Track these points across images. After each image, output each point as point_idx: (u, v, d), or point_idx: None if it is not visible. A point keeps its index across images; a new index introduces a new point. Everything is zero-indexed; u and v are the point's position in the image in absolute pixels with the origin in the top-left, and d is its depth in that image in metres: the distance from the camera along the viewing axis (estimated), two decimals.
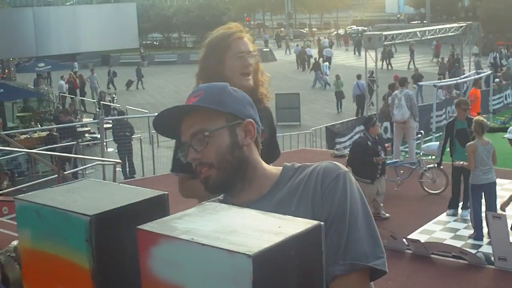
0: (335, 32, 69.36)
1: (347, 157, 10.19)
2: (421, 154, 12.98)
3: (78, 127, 19.57)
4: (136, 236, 1.12)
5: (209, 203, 1.21)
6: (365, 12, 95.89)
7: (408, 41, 19.64)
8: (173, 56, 54.59)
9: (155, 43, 67.21)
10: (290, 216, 1.13)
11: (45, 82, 33.46)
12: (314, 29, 79.51)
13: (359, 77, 23.95)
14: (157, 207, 1.27)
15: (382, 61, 37.41)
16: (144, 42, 58.53)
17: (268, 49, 51.77)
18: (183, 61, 50.81)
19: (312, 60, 41.69)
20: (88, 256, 1.17)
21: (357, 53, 49.51)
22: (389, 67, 39.42)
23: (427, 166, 10.99)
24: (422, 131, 14.42)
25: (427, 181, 10.93)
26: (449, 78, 27.17)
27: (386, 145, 10.41)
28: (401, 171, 11.43)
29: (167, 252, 1.06)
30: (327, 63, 36.50)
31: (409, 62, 39.18)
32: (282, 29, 78.54)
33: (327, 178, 1.66)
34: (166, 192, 1.29)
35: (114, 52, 44.56)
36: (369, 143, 9.42)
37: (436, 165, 10.57)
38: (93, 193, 1.33)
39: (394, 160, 12.20)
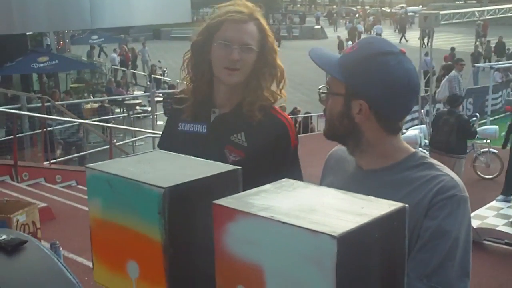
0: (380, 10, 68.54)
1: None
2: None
3: (129, 99, 19.79)
4: (209, 211, 1.08)
5: (285, 180, 1.17)
6: None
7: (465, 21, 19.21)
8: None
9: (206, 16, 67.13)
10: (372, 197, 1.08)
11: (96, 54, 33.81)
12: (366, 7, 78.46)
13: (426, 54, 23.20)
14: (230, 182, 1.23)
15: (422, 40, 36.81)
16: (195, 17, 58.66)
17: (319, 27, 51.39)
18: None
19: (362, 36, 41.59)
20: (160, 229, 1.14)
21: (397, 31, 49.20)
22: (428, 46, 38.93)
23: (481, 150, 10.78)
24: (477, 114, 14.13)
25: (480, 165, 10.74)
26: (496, 61, 26.49)
27: None
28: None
29: (244, 228, 1.02)
30: (350, 42, 36.21)
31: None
32: (334, 6, 77.76)
33: (441, 194, 1.62)
34: (240, 167, 1.25)
35: (165, 26, 44.70)
36: None
37: (490, 149, 10.38)
38: (165, 165, 1.30)
39: None
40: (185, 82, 2.58)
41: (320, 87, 1.82)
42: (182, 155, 1.39)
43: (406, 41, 42.61)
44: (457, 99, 9.66)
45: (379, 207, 1.04)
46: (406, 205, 1.06)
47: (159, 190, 1.13)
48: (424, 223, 1.60)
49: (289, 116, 2.68)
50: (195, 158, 1.35)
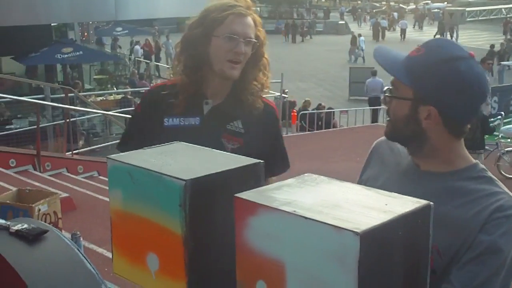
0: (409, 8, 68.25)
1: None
2: (500, 136, 12.58)
3: None
4: (230, 204, 1.07)
5: (308, 175, 1.15)
6: None
7: (492, 18, 19.02)
8: None
9: None
10: (396, 194, 1.06)
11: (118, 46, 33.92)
12: (391, 3, 77.95)
13: None
14: (252, 175, 1.22)
15: (442, 35, 36.94)
16: None
17: (343, 22, 51.17)
18: None
19: (386, 32, 41.50)
20: (180, 221, 1.13)
21: (416, 26, 49.11)
22: None
23: (506, 149, 10.67)
24: (502, 113, 13.98)
25: (504, 164, 10.63)
26: None
27: None
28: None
29: (265, 223, 1.01)
30: (363, 38, 35.89)
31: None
32: (359, 1, 77.35)
33: (500, 212, 1.62)
34: (262, 161, 1.24)
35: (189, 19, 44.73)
36: None
37: None
38: (186, 157, 1.29)
39: None
40: (171, 75, 2.59)
41: (385, 88, 1.80)
42: (204, 148, 1.38)
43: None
44: None
45: (403, 204, 1.02)
46: (431, 203, 1.04)
47: (180, 182, 1.12)
48: (479, 236, 1.60)
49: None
50: (217, 151, 1.33)
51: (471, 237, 1.61)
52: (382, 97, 2.02)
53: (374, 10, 65.09)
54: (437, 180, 1.72)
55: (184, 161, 1.25)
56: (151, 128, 2.53)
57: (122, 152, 2.74)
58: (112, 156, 1.26)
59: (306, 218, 0.96)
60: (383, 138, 1.97)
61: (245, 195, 1.06)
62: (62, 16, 17.21)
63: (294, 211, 0.98)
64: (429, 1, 71.06)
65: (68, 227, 4.68)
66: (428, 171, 1.75)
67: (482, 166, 1.78)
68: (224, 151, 2.41)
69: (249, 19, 2.44)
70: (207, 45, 2.42)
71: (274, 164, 2.46)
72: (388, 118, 1.81)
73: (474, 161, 1.77)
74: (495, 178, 1.74)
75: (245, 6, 2.44)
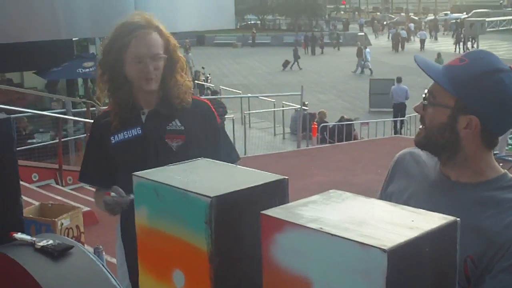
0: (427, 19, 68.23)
1: None
2: None
3: None
4: (256, 221, 1.08)
5: (333, 191, 1.15)
6: None
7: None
8: (267, 38, 54.80)
9: (249, 23, 67.63)
10: (422, 210, 1.06)
11: None
12: (411, 14, 77.80)
13: None
14: (277, 192, 1.22)
15: (456, 45, 36.99)
16: (239, 24, 58.94)
17: (363, 33, 51.18)
18: (277, 43, 50.91)
19: (405, 43, 41.49)
20: (206, 238, 1.14)
21: (432, 37, 49.51)
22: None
23: None
24: None
25: None
26: None
27: None
28: (500, 164, 11.04)
29: (292, 240, 1.01)
30: (368, 49, 35.93)
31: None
32: (378, 13, 77.29)
33: None
34: (286, 177, 1.24)
35: (209, 32, 45.04)
36: None
37: None
38: (211, 173, 1.29)
39: (494, 152, 11.81)
40: (98, 102, 2.83)
41: (424, 94, 1.80)
42: (228, 164, 1.39)
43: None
44: None
45: (429, 220, 1.02)
46: (458, 219, 1.04)
47: (206, 199, 1.13)
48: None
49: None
50: (241, 167, 1.34)
51: (505, 246, 1.61)
52: (418, 104, 2.03)
53: (389, 22, 65.04)
54: (469, 191, 1.72)
55: (209, 177, 1.26)
56: (104, 152, 2.76)
57: (85, 183, 3.08)
58: (138, 173, 1.27)
59: (332, 235, 0.96)
60: (406, 150, 1.97)
61: (272, 212, 1.06)
62: (83, 31, 17.36)
63: (321, 228, 0.98)
64: (448, 12, 70.87)
65: (90, 241, 4.71)
66: (458, 181, 1.75)
67: (511, 175, 1.78)
68: (169, 149, 2.65)
69: (153, 36, 2.64)
70: (122, 68, 2.65)
71: (220, 156, 2.58)
72: (421, 126, 1.81)
73: (503, 171, 1.78)
74: None
75: (145, 23, 2.63)
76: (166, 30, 2.74)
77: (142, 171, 1.27)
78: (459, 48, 37.49)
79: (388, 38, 49.17)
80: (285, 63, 35.99)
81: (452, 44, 35.37)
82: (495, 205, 1.67)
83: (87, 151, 2.95)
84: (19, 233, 1.58)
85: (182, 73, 2.75)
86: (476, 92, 1.66)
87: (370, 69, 33.96)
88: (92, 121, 3.28)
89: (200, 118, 2.74)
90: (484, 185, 1.73)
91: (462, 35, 36.22)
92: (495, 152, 9.06)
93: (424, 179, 1.84)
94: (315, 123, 17.55)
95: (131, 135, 2.68)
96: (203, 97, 20.33)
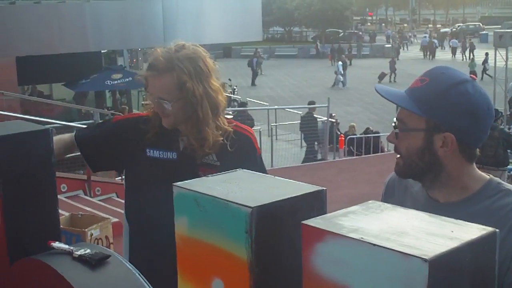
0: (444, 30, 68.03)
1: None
2: None
3: None
4: (295, 231, 1.10)
5: (372, 202, 1.17)
6: (494, 9, 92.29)
7: None
8: (294, 50, 54.82)
9: (276, 36, 67.82)
10: (461, 221, 1.07)
11: None
12: (438, 26, 77.39)
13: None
14: (316, 202, 1.24)
15: (463, 54, 36.86)
16: (265, 36, 59.06)
17: (390, 45, 51.01)
18: (304, 55, 50.87)
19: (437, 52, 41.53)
20: (246, 247, 1.16)
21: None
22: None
23: None
24: None
25: None
26: None
27: None
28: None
29: (333, 249, 1.03)
30: (340, 63, 35.72)
31: None
32: (405, 25, 77.02)
33: None
34: (325, 188, 1.26)
35: (236, 44, 45.20)
36: None
37: None
38: (250, 184, 1.32)
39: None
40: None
41: (393, 122, 1.80)
42: (267, 175, 1.41)
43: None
44: (496, 113, 9.79)
45: (469, 231, 1.03)
46: (497, 230, 1.04)
47: (247, 209, 1.15)
48: None
49: (251, 129, 2.90)
50: (280, 178, 1.36)
51: (506, 261, 1.59)
52: (390, 134, 1.98)
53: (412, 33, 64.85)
54: (460, 208, 1.69)
55: (249, 188, 1.28)
56: (111, 143, 2.76)
57: (76, 136, 2.84)
58: (178, 183, 1.30)
59: (373, 245, 0.97)
60: (393, 175, 1.95)
61: (313, 222, 1.08)
62: (112, 43, 17.58)
63: (362, 238, 1.00)
64: (479, 23, 70.33)
65: (119, 251, 4.74)
66: (449, 202, 1.73)
67: (497, 179, 1.76)
68: None
69: (164, 79, 2.51)
70: None
71: None
72: (397, 156, 1.79)
73: (487, 177, 1.75)
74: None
75: (163, 65, 2.50)
76: (191, 72, 2.57)
77: (182, 182, 1.30)
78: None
79: (420, 48, 48.92)
80: (381, 75, 35.60)
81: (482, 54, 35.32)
82: (490, 216, 1.63)
83: (101, 125, 2.99)
84: (57, 242, 1.61)
85: (214, 118, 2.58)
86: (444, 108, 1.65)
87: (342, 82, 33.86)
88: (128, 116, 3.17)
89: (239, 155, 2.59)
90: (473, 198, 1.72)
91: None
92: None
93: (415, 204, 1.81)
94: (342, 135, 17.51)
95: (166, 156, 2.65)
96: (229, 108, 20.43)
